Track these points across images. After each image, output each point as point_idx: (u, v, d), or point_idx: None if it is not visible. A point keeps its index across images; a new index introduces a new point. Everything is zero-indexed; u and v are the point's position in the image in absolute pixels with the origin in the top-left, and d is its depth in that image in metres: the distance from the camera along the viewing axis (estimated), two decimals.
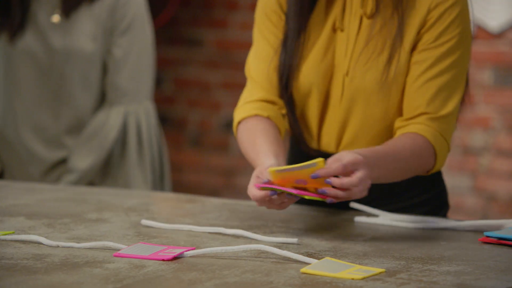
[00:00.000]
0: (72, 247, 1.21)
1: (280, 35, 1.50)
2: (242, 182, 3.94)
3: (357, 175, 1.27)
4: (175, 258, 1.16)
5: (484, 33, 3.44)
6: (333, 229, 1.39)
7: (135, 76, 2.07)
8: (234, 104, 1.65)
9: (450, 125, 1.45)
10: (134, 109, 2.06)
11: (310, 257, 1.17)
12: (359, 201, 1.49)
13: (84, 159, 2.02)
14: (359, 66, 1.45)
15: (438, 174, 1.57)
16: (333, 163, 1.28)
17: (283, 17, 1.50)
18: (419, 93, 1.44)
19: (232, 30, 3.97)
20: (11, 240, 1.25)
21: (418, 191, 1.54)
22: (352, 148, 1.48)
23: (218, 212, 1.50)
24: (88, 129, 2.04)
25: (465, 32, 1.44)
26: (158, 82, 3.99)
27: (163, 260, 1.15)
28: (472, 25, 1.46)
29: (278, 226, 1.40)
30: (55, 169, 2.05)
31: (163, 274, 1.08)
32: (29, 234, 1.27)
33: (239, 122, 1.51)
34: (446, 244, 1.29)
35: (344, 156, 1.28)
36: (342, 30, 1.47)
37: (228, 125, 3.93)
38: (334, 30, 1.47)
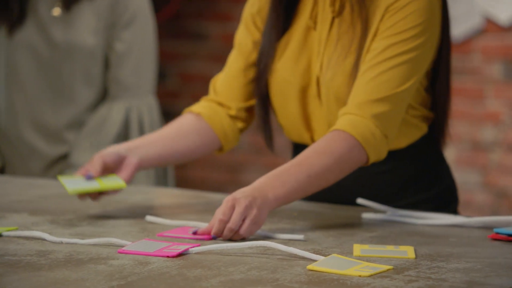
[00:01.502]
0: (76, 244, 1.20)
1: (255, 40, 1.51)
2: (248, 178, 3.92)
3: (233, 217, 1.24)
4: (180, 254, 1.15)
5: (494, 26, 3.41)
6: (340, 226, 1.37)
7: (137, 71, 2.05)
8: None
9: (387, 109, 1.36)
10: (136, 104, 2.05)
11: (317, 254, 1.16)
12: (366, 196, 1.47)
13: (85, 155, 2.01)
14: (330, 68, 1.43)
15: (445, 169, 1.55)
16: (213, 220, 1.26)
17: (259, 21, 1.51)
18: (361, 79, 1.38)
19: (237, 23, 3.95)
20: (15, 237, 1.24)
21: (424, 185, 1.52)
22: None
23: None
24: (90, 124, 2.02)
25: (427, 23, 1.38)
26: (163, 76, 3.98)
27: (168, 256, 1.14)
28: (442, 18, 1.42)
29: (284, 222, 1.39)
30: (56, 165, 2.04)
31: (168, 271, 1.07)
32: (33, 230, 1.26)
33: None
34: (455, 240, 1.28)
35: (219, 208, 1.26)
36: (315, 29, 1.45)
37: None
38: (307, 28, 1.46)
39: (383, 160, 1.42)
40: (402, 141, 1.48)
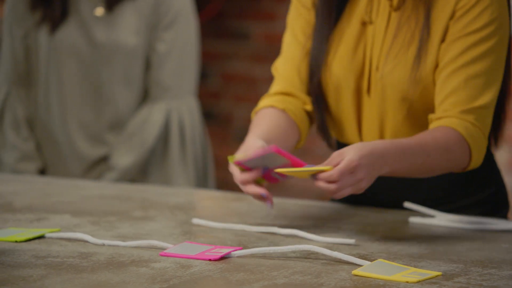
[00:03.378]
0: (117, 246, 1.20)
1: (310, 32, 1.46)
2: (290, 180, 3.90)
3: (340, 166, 1.21)
4: (222, 258, 1.13)
5: None
6: (386, 230, 1.34)
7: (179, 72, 2.04)
8: None
9: (488, 117, 1.35)
10: (177, 105, 2.04)
11: (362, 258, 1.13)
12: (413, 200, 1.44)
13: (125, 157, 2.00)
14: (389, 61, 1.39)
15: (495, 172, 1.50)
16: (333, 162, 1.23)
17: (313, 13, 1.46)
18: (447, 83, 1.35)
19: (280, 22, 3.93)
20: (57, 238, 1.23)
21: (473, 189, 1.48)
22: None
23: (265, 211, 1.46)
24: (130, 126, 2.02)
25: (501, 19, 1.36)
26: (204, 76, 3.98)
27: (210, 260, 1.13)
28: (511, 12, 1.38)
29: (328, 226, 1.36)
30: (96, 167, 2.04)
31: (210, 275, 1.06)
32: (75, 232, 1.26)
33: (255, 114, 1.47)
34: (507, 247, 1.24)
35: (344, 155, 1.23)
36: (371, 23, 1.42)
37: None
38: (363, 23, 1.42)
39: None
40: None
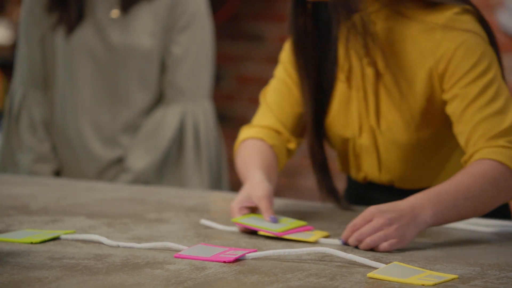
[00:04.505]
0: (132, 248, 1.20)
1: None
2: (305, 183, 3.90)
3: (372, 223, 1.21)
4: (236, 260, 1.13)
5: None
6: None
7: (194, 75, 2.04)
8: None
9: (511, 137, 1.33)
10: (192, 108, 2.04)
11: (377, 261, 1.13)
12: None
13: (140, 159, 2.00)
14: (383, 118, 1.42)
15: None
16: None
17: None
18: (466, 126, 1.34)
19: None
20: (72, 240, 1.24)
21: None
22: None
23: (280, 213, 1.46)
24: (145, 128, 2.02)
25: (485, 56, 1.34)
26: (218, 79, 3.98)
27: (225, 262, 1.13)
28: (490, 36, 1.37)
29: (343, 228, 1.36)
30: (110, 168, 2.04)
31: (224, 277, 1.06)
32: (90, 233, 1.26)
33: (243, 140, 1.50)
34: None
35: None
36: (350, 82, 1.43)
37: None
38: (347, 81, 1.44)
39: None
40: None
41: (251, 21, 4.03)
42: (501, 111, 1.34)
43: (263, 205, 1.32)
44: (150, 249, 1.19)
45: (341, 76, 1.44)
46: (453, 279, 1.06)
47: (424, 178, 1.46)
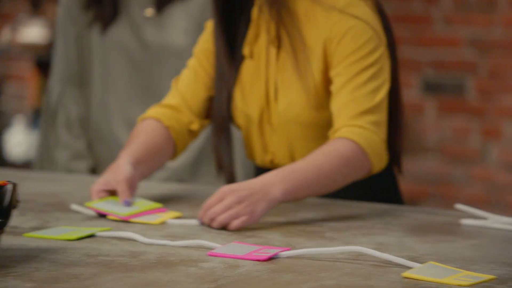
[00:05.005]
0: (166, 245, 1.20)
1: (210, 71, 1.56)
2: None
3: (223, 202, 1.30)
4: (270, 258, 1.13)
5: None
6: (437, 232, 1.32)
7: None
8: None
9: (377, 116, 1.41)
10: None
11: (412, 260, 1.12)
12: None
13: None
14: (284, 96, 1.48)
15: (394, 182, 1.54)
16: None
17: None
18: (337, 100, 1.43)
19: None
20: (108, 237, 1.25)
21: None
22: None
23: (313, 212, 1.46)
24: None
25: (374, 40, 1.44)
26: None
27: (258, 260, 1.13)
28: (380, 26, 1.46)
29: (377, 227, 1.35)
30: None
31: (258, 275, 1.06)
32: (125, 231, 1.27)
33: (142, 119, 1.55)
34: None
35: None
36: (252, 57, 1.50)
37: None
38: (250, 57, 1.50)
39: None
40: None
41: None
42: (372, 92, 1.42)
43: (120, 188, 1.38)
44: (184, 247, 1.20)
45: (246, 51, 1.50)
46: (490, 279, 1.04)
47: None
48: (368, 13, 1.45)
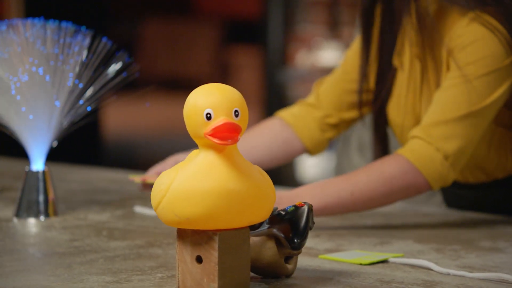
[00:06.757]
0: (463, 276, 1.14)
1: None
2: None
3: None
4: None
5: None
6: None
7: None
8: None
9: (452, 130, 1.35)
10: None
11: None
12: None
13: None
14: (425, 106, 1.45)
15: None
16: None
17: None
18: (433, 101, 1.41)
19: None
20: (401, 263, 1.22)
21: None
22: None
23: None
24: None
25: (496, 56, 1.37)
26: None
27: None
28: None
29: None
30: None
31: None
32: (419, 258, 1.23)
33: (271, 117, 1.59)
34: None
35: None
36: (402, 69, 1.48)
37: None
38: (400, 67, 1.48)
39: None
40: None
41: None
42: (447, 104, 1.36)
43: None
44: (483, 279, 1.13)
45: (396, 62, 1.49)
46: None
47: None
48: (497, 24, 1.38)
